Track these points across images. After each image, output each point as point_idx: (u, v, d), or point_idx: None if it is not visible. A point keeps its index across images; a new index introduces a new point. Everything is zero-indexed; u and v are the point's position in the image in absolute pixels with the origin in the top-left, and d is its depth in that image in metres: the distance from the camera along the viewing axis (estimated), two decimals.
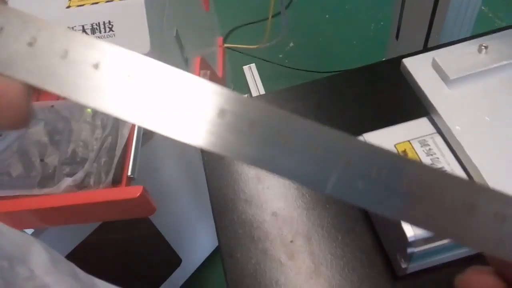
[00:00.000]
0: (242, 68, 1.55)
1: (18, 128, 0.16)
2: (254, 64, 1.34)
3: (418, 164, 0.17)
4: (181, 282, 1.16)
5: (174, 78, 0.17)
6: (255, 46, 1.47)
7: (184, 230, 1.11)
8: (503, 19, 1.63)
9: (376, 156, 0.17)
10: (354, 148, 0.17)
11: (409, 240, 0.39)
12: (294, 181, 0.17)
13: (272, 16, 1.36)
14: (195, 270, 1.18)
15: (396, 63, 0.64)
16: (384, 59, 1.51)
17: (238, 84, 1.56)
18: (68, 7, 0.76)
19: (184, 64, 0.94)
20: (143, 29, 0.74)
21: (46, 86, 0.16)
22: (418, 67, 0.47)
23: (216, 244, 1.22)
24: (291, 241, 0.49)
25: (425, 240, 0.40)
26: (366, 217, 0.50)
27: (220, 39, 1.38)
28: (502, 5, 1.67)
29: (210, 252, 1.20)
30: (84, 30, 0.74)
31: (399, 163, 0.17)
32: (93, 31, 0.74)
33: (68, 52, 0.16)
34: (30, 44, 0.16)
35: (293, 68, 1.62)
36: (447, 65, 0.46)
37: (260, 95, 0.66)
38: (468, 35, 0.87)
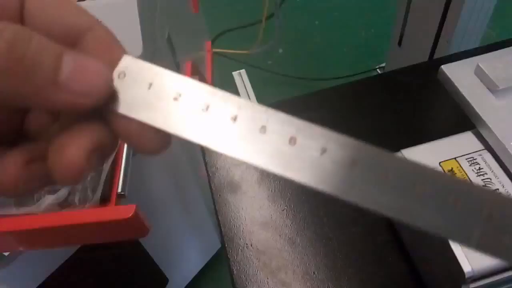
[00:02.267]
0: (231, 74, 1.49)
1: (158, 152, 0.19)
2: (244, 70, 1.28)
3: None
4: None
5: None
6: (245, 52, 1.41)
7: (171, 248, 1.03)
8: (494, 29, 1.62)
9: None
10: (495, 200, 0.16)
11: (467, 275, 0.34)
12: (434, 233, 0.17)
13: (262, 21, 1.30)
14: None
15: (417, 71, 0.59)
16: (382, 64, 1.47)
17: (224, 90, 1.50)
18: None
19: (176, 68, 0.87)
20: (135, 31, 0.67)
21: (191, 138, 0.18)
22: (460, 75, 0.42)
23: (205, 261, 1.16)
24: (314, 273, 0.43)
25: (483, 275, 0.35)
26: (398, 243, 0.44)
27: (208, 43, 1.32)
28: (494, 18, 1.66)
29: (199, 270, 1.12)
30: None
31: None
32: None
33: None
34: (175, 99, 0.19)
35: (283, 75, 1.57)
36: (494, 73, 0.40)
37: (274, 103, 0.59)
38: (477, 45, 0.84)
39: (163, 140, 0.19)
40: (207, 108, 0.18)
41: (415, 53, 0.92)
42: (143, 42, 0.67)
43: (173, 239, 1.04)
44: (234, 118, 0.18)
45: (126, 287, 1.00)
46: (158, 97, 0.18)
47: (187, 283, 1.11)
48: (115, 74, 0.19)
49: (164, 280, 1.04)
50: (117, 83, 0.19)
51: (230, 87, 1.36)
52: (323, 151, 0.17)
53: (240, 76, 1.32)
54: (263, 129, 0.18)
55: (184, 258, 1.09)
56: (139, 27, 0.67)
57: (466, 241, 0.16)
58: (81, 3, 0.68)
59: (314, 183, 0.17)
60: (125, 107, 0.18)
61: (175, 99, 0.18)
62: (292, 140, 0.18)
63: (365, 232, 0.46)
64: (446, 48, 0.83)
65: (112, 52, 0.19)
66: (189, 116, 0.18)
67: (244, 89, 1.29)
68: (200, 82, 0.19)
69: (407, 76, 0.57)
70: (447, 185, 0.17)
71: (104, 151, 0.18)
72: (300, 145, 0.17)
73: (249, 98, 1.26)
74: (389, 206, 0.16)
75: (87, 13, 0.19)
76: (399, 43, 0.97)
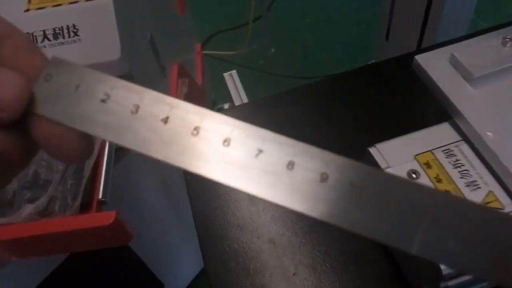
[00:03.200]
0: (222, 76, 1.48)
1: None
2: (235, 71, 1.27)
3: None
4: None
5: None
6: (235, 52, 1.40)
7: (166, 253, 1.02)
8: (485, 20, 1.60)
9: (465, 211, 0.15)
10: (439, 202, 0.15)
11: (443, 273, 0.32)
12: (374, 239, 0.16)
13: (252, 21, 1.29)
14: None
15: (396, 63, 0.58)
16: (372, 61, 1.46)
17: (218, 92, 1.48)
18: (27, 10, 0.68)
19: (161, 72, 0.86)
20: (112, 33, 0.66)
21: (118, 141, 0.18)
22: (434, 65, 0.41)
23: (201, 266, 1.15)
24: (294, 274, 0.42)
25: (459, 273, 0.34)
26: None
27: (198, 46, 1.31)
28: (483, 5, 1.65)
29: (195, 275, 1.11)
30: (45, 36, 0.65)
31: (492, 218, 0.15)
32: (55, 36, 0.66)
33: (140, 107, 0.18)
34: (104, 101, 0.18)
35: (275, 75, 1.55)
36: (469, 61, 0.39)
37: (253, 100, 0.59)
38: (463, 34, 0.82)
39: (86, 146, 0.18)
40: (137, 109, 0.18)
41: (402, 47, 0.91)
42: (121, 45, 0.66)
43: (167, 245, 1.03)
44: (165, 120, 0.18)
45: None
46: (85, 98, 0.18)
47: None
48: (41, 77, 0.18)
49: (159, 286, 1.03)
50: (43, 86, 0.18)
51: (222, 88, 1.34)
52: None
53: (232, 77, 1.31)
54: (195, 130, 0.18)
55: (179, 264, 1.07)
56: (116, 30, 0.66)
57: (406, 246, 0.15)
58: (58, 8, 0.68)
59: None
60: (47, 110, 0.18)
61: (103, 100, 0.18)
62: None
63: (347, 232, 0.44)
64: (432, 40, 0.82)
65: (33, 58, 0.19)
66: (116, 119, 0.17)
67: (236, 90, 1.28)
68: (130, 83, 0.18)
69: (385, 69, 0.55)
70: (390, 187, 0.16)
71: (8, 159, 0.18)
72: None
73: (241, 99, 1.25)
74: (328, 213, 0.16)
75: (5, 21, 0.19)
76: (387, 38, 0.95)
